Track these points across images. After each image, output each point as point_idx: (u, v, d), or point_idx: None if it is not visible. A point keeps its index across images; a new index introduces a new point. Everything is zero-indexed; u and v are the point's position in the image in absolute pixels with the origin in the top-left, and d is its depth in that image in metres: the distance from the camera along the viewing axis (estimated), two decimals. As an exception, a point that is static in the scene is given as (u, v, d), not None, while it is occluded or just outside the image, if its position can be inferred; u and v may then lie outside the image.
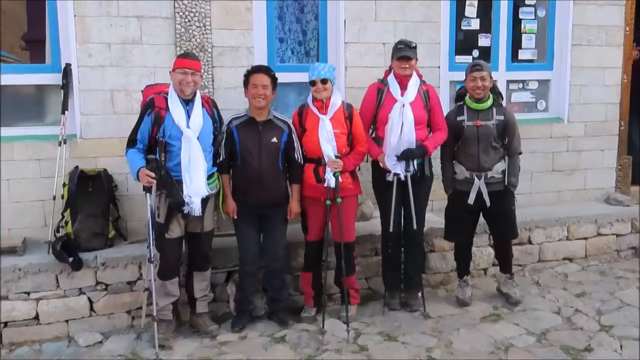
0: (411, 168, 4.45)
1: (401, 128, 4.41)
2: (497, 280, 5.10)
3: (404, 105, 4.43)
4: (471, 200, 4.61)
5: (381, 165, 4.49)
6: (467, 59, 5.82)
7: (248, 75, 4.28)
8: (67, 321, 4.46)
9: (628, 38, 6.26)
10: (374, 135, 4.61)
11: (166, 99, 4.06)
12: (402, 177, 4.45)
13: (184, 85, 4.03)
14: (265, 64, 5.02)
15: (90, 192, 4.66)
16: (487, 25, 5.92)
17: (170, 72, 4.11)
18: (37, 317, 4.39)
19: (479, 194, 4.61)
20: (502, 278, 5.01)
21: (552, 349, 4.13)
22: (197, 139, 4.04)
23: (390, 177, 4.49)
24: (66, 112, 4.75)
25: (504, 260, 4.99)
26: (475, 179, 4.60)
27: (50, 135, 4.80)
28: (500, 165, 4.64)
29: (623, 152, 6.45)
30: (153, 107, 4.04)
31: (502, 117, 4.62)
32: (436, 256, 5.29)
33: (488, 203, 4.62)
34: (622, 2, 6.16)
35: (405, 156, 4.41)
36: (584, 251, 5.86)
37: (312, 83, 4.34)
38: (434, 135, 4.60)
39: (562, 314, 4.70)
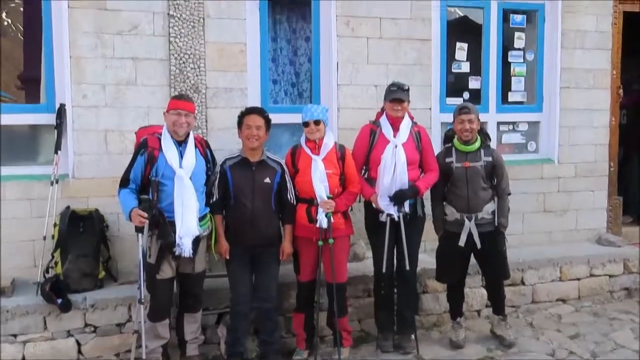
0: (404, 209, 4.46)
1: (394, 169, 4.44)
2: (491, 322, 5.05)
3: (396, 146, 4.47)
4: (462, 242, 4.61)
5: (374, 205, 4.50)
6: (458, 100, 5.91)
7: (242, 117, 4.32)
8: (54, 364, 4.37)
9: (615, 81, 6.39)
10: (366, 175, 4.63)
11: (159, 140, 4.08)
12: (395, 218, 4.46)
13: (178, 126, 4.06)
14: (259, 105, 5.10)
15: (81, 232, 4.62)
16: (477, 68, 6.03)
17: (164, 113, 4.15)
18: (23, 360, 4.30)
19: (470, 235, 4.61)
20: (495, 320, 4.97)
21: (547, 392, 4.09)
22: (190, 179, 4.05)
23: (383, 218, 4.49)
24: (59, 151, 4.75)
25: (497, 302, 4.96)
26: (466, 220, 4.62)
27: (42, 175, 4.79)
28: (490, 206, 4.67)
29: (613, 192, 6.50)
30: (146, 147, 4.06)
31: (489, 159, 4.67)
32: (429, 297, 5.25)
33: (479, 245, 4.63)
34: (608, 46, 6.30)
35: (397, 197, 4.42)
36: (577, 292, 5.84)
37: (306, 124, 4.38)
38: (425, 176, 4.63)
39: (557, 355, 4.66)
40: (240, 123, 4.31)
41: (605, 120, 6.38)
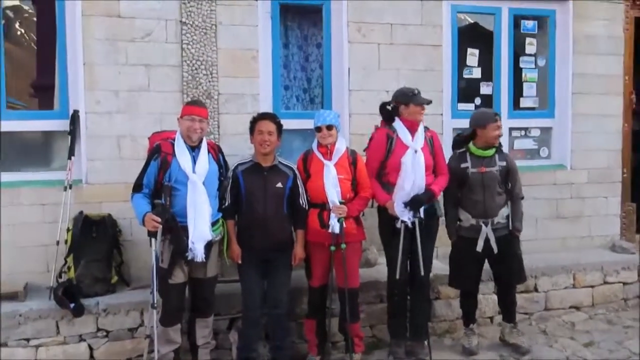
0: (419, 214, 4.44)
1: (415, 174, 4.43)
2: (501, 330, 5.00)
3: (416, 151, 4.46)
4: (479, 247, 4.59)
5: (390, 212, 4.47)
6: (470, 106, 5.92)
7: (254, 122, 4.33)
8: (66, 369, 4.39)
9: (627, 86, 6.36)
10: (383, 181, 4.58)
11: (173, 145, 4.10)
12: (410, 225, 4.43)
13: (192, 132, 4.08)
14: (271, 111, 5.12)
15: (94, 237, 4.66)
16: (488, 73, 6.03)
17: (178, 119, 4.17)
18: (36, 365, 4.32)
19: (486, 240, 4.59)
20: (507, 328, 4.93)
21: (562, 400, 4.05)
22: (203, 184, 4.06)
23: (399, 224, 4.46)
24: (72, 157, 4.80)
25: (509, 309, 4.93)
26: (482, 225, 4.60)
27: (55, 181, 4.83)
28: (505, 211, 4.66)
29: (627, 199, 6.45)
30: (160, 152, 4.08)
31: (504, 163, 4.68)
32: (442, 303, 5.23)
33: (495, 250, 4.60)
34: (620, 51, 6.27)
35: (414, 203, 4.40)
36: (591, 299, 5.79)
37: (318, 129, 4.39)
38: (438, 179, 4.61)
39: (571, 366, 4.62)
40: (252, 129, 4.33)
41: (617, 126, 6.35)
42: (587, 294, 5.78)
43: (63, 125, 4.88)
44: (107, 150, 4.91)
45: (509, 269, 4.75)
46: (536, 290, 5.59)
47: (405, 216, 4.42)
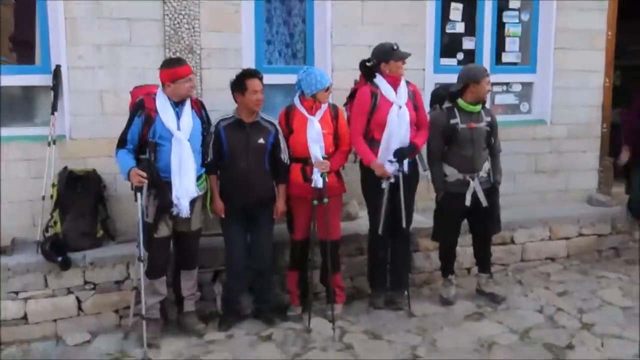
0: (402, 167, 4.51)
1: (400, 130, 4.49)
2: (478, 281, 5.16)
3: (400, 107, 4.51)
4: (468, 201, 4.68)
5: (377, 173, 4.50)
6: (452, 61, 5.94)
7: (243, 79, 4.32)
8: (55, 321, 4.48)
9: (610, 42, 6.38)
10: (368, 137, 4.60)
11: (156, 101, 4.11)
12: (392, 179, 4.49)
13: (191, 90, 4.17)
14: (253, 66, 5.13)
15: (79, 193, 4.69)
16: (471, 28, 6.01)
17: (166, 83, 4.12)
18: (25, 317, 4.41)
19: (473, 194, 4.69)
20: (483, 278, 5.09)
21: (535, 347, 4.22)
22: (188, 141, 4.11)
23: (384, 185, 4.50)
24: (56, 112, 4.78)
25: (485, 259, 5.09)
26: (470, 180, 4.69)
27: (39, 136, 4.82)
28: (487, 165, 4.77)
29: (605, 153, 6.56)
30: (143, 108, 4.10)
31: (489, 119, 4.76)
32: (420, 256, 5.37)
33: (484, 203, 4.70)
34: (604, 7, 6.27)
35: (399, 155, 4.47)
36: (566, 251, 5.97)
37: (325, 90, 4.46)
38: (420, 133, 4.67)
39: (545, 312, 4.80)
40: (242, 86, 4.30)
41: (599, 82, 6.39)
42: (562, 246, 5.96)
43: (45, 80, 4.84)
44: (90, 105, 4.89)
45: (487, 221, 4.88)
46: (513, 242, 5.75)
47: (392, 168, 4.48)
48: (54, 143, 4.74)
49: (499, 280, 5.26)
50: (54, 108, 4.80)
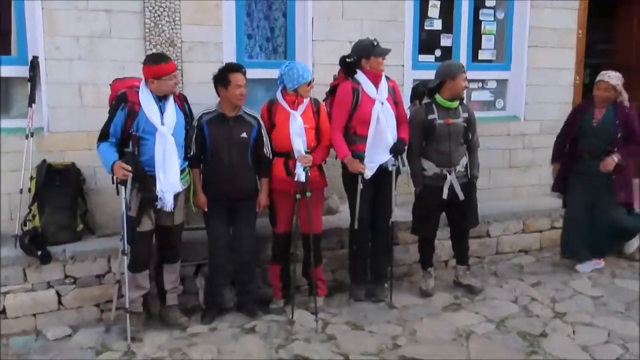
0: (401, 161, 4.64)
1: (387, 125, 4.57)
2: (456, 273, 5.28)
3: (382, 103, 4.57)
4: (445, 194, 4.78)
5: (350, 169, 4.56)
6: (430, 58, 6.04)
7: (226, 74, 4.31)
8: (34, 315, 4.44)
9: (580, 40, 6.56)
10: (350, 132, 4.65)
11: (139, 94, 4.09)
12: (367, 176, 4.56)
13: (175, 87, 4.16)
14: (235, 59, 5.13)
15: (58, 186, 4.63)
16: (449, 25, 6.12)
17: (149, 80, 4.09)
18: (4, 311, 4.36)
19: (450, 187, 4.78)
20: (461, 270, 5.22)
21: (510, 335, 4.35)
22: (172, 135, 4.10)
23: (360, 181, 4.56)
24: (33, 105, 4.70)
25: (463, 252, 5.21)
26: (447, 174, 4.78)
27: (16, 128, 4.74)
28: (464, 160, 4.87)
29: (575, 149, 6.75)
30: (126, 101, 4.07)
31: (467, 115, 4.86)
32: (400, 249, 5.45)
33: (461, 197, 4.81)
34: (575, 6, 6.44)
35: (396, 151, 4.57)
36: (539, 243, 6.14)
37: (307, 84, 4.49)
38: (401, 128, 4.75)
39: (519, 302, 4.93)
40: (225, 80, 4.30)
41: (570, 79, 6.58)
42: (535, 239, 6.13)
43: (22, 71, 4.75)
44: (68, 97, 4.83)
45: (465, 215, 5.00)
46: (488, 235, 5.89)
47: (388, 163, 4.60)
48: (32, 136, 4.67)
49: (475, 272, 5.38)
50: (32, 100, 4.72)
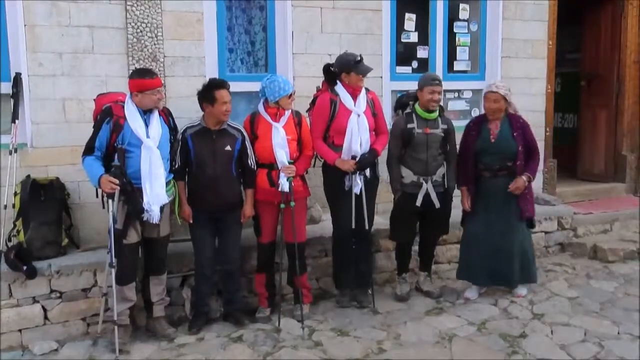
0: (364, 173, 4.72)
1: (360, 136, 4.68)
2: (417, 279, 5.37)
3: (359, 115, 4.69)
4: (419, 202, 4.89)
5: (342, 168, 4.68)
6: (407, 69, 6.20)
7: (211, 90, 4.38)
8: (20, 330, 4.44)
9: (551, 51, 6.79)
10: (328, 142, 4.78)
11: (124, 108, 4.15)
12: (357, 191, 4.69)
13: (158, 102, 4.21)
14: (217, 73, 5.22)
15: (42, 201, 4.65)
16: (424, 38, 6.30)
17: (134, 93, 4.15)
18: (-11, 327, 4.36)
19: (426, 195, 4.91)
20: (422, 277, 5.34)
21: (491, 336, 4.47)
22: (157, 147, 4.16)
23: (348, 182, 4.69)
24: (17, 120, 4.72)
25: (428, 259, 5.35)
26: (423, 182, 4.91)
27: (0, 145, 4.76)
28: (441, 170, 4.99)
29: (549, 156, 6.95)
30: (112, 115, 4.13)
31: (446, 126, 4.98)
32: (382, 255, 5.56)
33: (437, 205, 4.92)
34: (545, 18, 6.68)
35: (362, 163, 4.67)
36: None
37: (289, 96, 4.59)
38: (379, 138, 4.89)
39: (499, 305, 5.06)
40: (210, 96, 4.36)
41: (542, 89, 6.80)
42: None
43: (5, 88, 4.77)
44: (52, 113, 4.86)
45: (439, 223, 5.13)
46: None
47: (357, 180, 4.69)
48: (16, 151, 4.69)
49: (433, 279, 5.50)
50: (15, 116, 4.74)
